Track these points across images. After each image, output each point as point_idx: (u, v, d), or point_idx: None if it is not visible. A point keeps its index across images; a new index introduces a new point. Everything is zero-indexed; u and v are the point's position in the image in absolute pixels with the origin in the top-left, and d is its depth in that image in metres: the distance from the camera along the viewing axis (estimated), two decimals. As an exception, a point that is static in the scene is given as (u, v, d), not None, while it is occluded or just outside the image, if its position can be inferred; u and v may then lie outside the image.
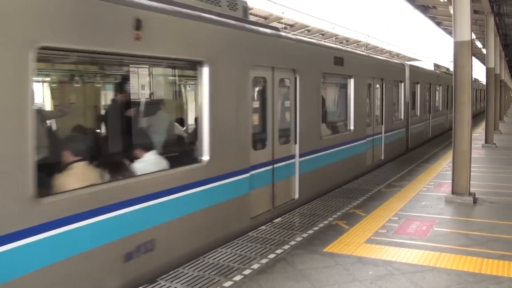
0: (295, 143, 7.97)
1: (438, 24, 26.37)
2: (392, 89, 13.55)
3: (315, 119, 8.74)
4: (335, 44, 16.59)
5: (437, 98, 21.30)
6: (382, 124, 12.70)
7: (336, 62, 9.60)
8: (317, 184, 8.82)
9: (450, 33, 22.91)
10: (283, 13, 26.06)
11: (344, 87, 10.93)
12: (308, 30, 30.56)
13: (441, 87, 21.50)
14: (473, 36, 20.18)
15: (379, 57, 15.65)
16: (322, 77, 9.06)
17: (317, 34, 31.57)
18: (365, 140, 11.33)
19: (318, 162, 8.74)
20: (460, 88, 8.37)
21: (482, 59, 33.44)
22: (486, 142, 16.85)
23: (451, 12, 8.55)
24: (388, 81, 12.98)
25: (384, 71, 12.98)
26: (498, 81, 22.85)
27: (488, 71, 18.85)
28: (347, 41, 35.85)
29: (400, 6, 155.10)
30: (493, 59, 19.01)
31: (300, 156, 8.07)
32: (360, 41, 37.21)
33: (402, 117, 14.88)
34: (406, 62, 16.71)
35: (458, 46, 8.37)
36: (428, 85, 18.68)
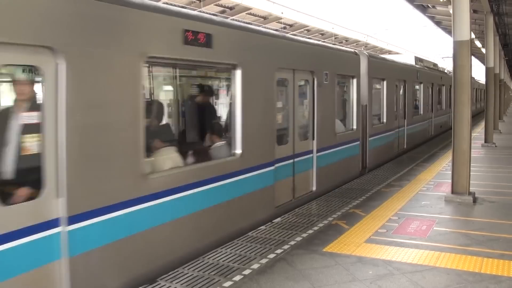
0: (57, 196, 4.09)
1: (438, 23, 26.39)
2: (334, 88, 9.53)
3: (129, 142, 4.80)
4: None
5: (417, 99, 17.53)
6: (314, 139, 8.71)
7: (193, 40, 5.66)
8: (139, 263, 4.95)
9: (449, 32, 22.96)
10: (282, 13, 26.09)
11: (225, 85, 7.95)
12: (308, 30, 30.60)
13: (422, 85, 17.56)
14: (473, 36, 20.20)
15: (302, 39, 10.60)
16: (146, 66, 5.43)
17: (317, 34, 31.62)
18: (272, 167, 7.33)
19: (139, 223, 4.90)
20: (460, 87, 8.36)
21: (482, 58, 33.47)
22: (485, 142, 16.85)
23: (451, 11, 8.55)
24: (323, 75, 8.95)
25: (316, 61, 8.88)
26: (497, 80, 22.85)
27: (488, 70, 18.84)
28: (346, 40, 35.92)
29: (399, 6, 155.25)
30: (493, 59, 19.00)
31: (74, 220, 4.22)
32: (360, 41, 37.25)
33: (355, 127, 10.80)
34: (365, 51, 12.61)
35: (457, 45, 8.37)
36: (401, 82, 14.68)
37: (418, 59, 18.38)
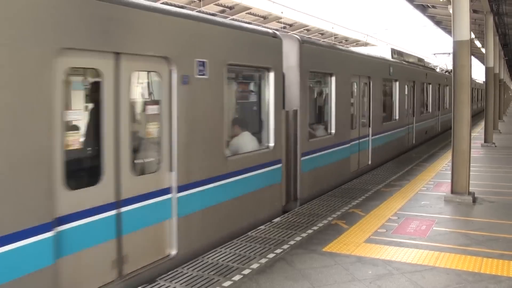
0: None
1: (438, 23, 26.40)
2: (221, 86, 6.15)
3: None
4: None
5: (390, 102, 14.10)
6: (172, 170, 5.34)
7: None
8: None
9: (449, 32, 22.97)
10: (282, 12, 26.09)
11: None
12: (308, 30, 30.61)
13: (398, 83, 14.17)
14: (472, 36, 20.20)
15: (141, 2, 5.11)
16: None
17: (316, 33, 31.62)
18: (48, 234, 3.95)
19: None
20: (460, 87, 8.37)
21: (482, 58, 33.49)
22: (485, 142, 16.86)
23: (450, 11, 8.56)
24: (195, 66, 5.64)
25: (179, 42, 5.50)
26: (497, 80, 22.86)
27: (488, 70, 18.86)
28: (346, 40, 35.94)
29: (399, 6, 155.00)
30: (492, 59, 19.01)
31: None
32: (360, 41, 37.27)
33: (272, 143, 7.36)
34: (296, 35, 8.62)
35: (457, 45, 8.38)
36: (363, 79, 11.42)
37: (395, 52, 15.50)
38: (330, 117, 9.64)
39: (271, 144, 7.38)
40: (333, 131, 9.63)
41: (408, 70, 15.86)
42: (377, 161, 12.24)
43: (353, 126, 10.79)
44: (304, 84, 8.32)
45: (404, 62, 15.71)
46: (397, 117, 14.33)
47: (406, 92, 15.09)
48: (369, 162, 11.82)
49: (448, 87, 22.68)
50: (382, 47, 18.25)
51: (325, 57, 9.43)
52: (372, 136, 11.92)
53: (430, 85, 19.21)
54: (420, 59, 19.06)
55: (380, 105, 12.61)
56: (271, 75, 7.37)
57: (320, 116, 10.01)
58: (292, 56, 8.06)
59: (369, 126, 11.82)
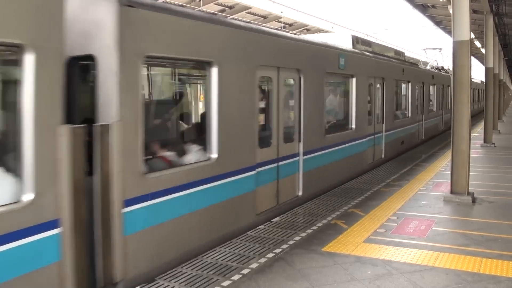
0: None
1: (438, 23, 26.41)
2: None
3: None
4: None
5: (342, 105, 10.92)
6: None
7: None
8: None
9: (449, 32, 22.95)
10: (282, 12, 26.10)
11: None
12: (307, 29, 30.62)
13: (355, 80, 10.62)
14: (472, 36, 20.20)
15: None
16: None
17: (316, 33, 31.61)
18: None
19: None
20: (459, 87, 8.37)
21: (481, 58, 33.50)
22: (485, 142, 16.85)
23: (450, 11, 8.56)
24: None
25: None
26: (497, 80, 22.86)
27: (487, 70, 18.86)
28: (346, 40, 35.91)
29: (399, 5, 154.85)
30: (492, 59, 19.01)
31: None
32: (359, 41, 37.23)
33: (32, 194, 3.75)
34: None
35: (457, 45, 8.38)
36: (288, 74, 7.88)
37: (358, 41, 12.01)
38: (210, 132, 5.99)
39: (29, 195, 3.78)
40: (214, 155, 5.97)
41: (373, 63, 12.10)
42: (316, 189, 8.68)
43: (264, 143, 7.19)
44: (133, 78, 4.84)
45: (367, 54, 11.99)
46: (353, 126, 10.67)
47: (369, 93, 11.64)
48: (299, 193, 8.17)
49: (435, 86, 19.78)
50: (341, 33, 14.02)
51: (191, 35, 5.64)
52: (304, 155, 8.25)
53: (410, 84, 15.49)
54: (398, 52, 15.55)
55: (320, 110, 8.97)
56: (29, 61, 3.75)
57: (192, 132, 6.83)
58: (107, 28, 4.64)
59: (300, 141, 8.16)
